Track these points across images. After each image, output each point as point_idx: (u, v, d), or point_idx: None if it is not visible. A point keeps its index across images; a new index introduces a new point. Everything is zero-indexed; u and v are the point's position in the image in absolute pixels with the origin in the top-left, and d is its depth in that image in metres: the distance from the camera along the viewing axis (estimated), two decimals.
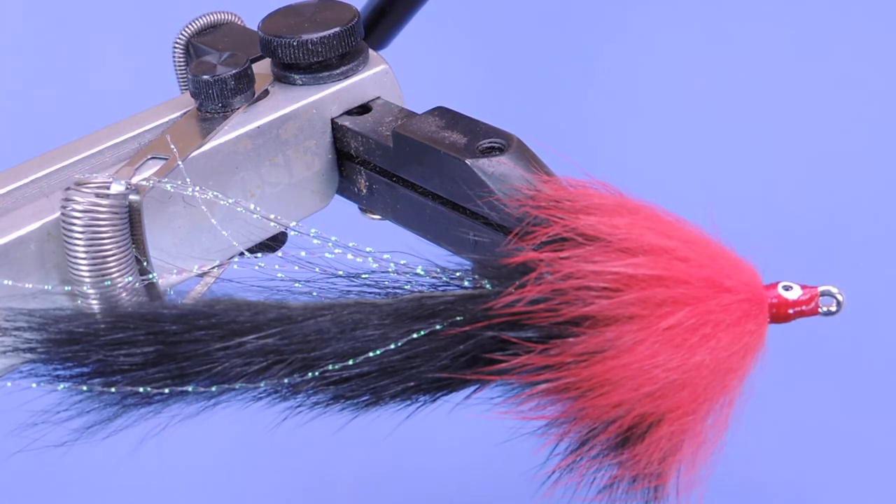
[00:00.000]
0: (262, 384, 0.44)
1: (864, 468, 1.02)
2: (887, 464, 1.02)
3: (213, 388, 0.44)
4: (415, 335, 0.44)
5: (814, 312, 0.47)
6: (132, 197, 0.51)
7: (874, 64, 1.32)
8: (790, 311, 0.46)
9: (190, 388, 0.44)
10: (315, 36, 0.59)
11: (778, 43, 1.35)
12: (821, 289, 0.47)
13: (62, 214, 0.50)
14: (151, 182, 0.53)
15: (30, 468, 1.03)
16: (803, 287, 0.47)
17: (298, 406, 0.45)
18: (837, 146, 1.26)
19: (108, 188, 0.50)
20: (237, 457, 1.06)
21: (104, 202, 0.50)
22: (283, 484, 1.04)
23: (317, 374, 0.44)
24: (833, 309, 0.47)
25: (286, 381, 0.44)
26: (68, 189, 0.50)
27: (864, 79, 1.31)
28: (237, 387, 0.44)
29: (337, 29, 0.59)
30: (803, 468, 1.02)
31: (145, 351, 0.43)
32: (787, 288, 0.46)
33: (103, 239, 0.50)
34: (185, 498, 1.04)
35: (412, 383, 0.44)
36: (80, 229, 0.49)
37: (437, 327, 0.43)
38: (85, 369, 0.44)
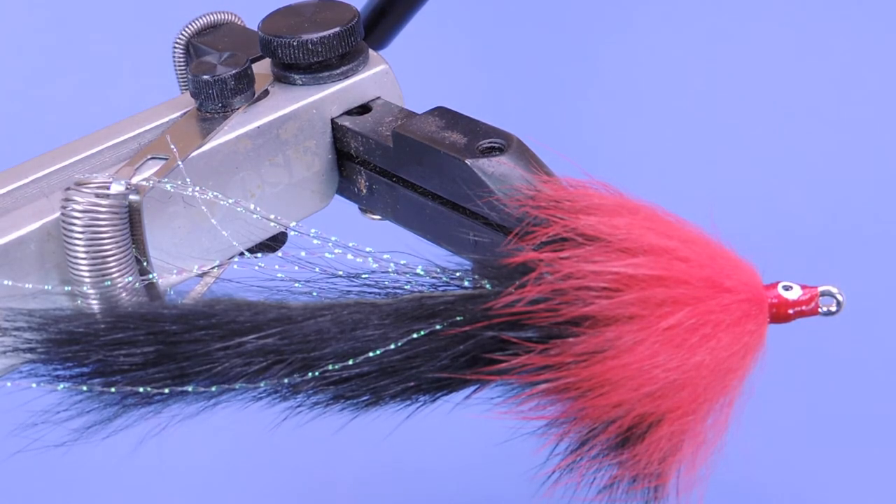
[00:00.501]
0: (262, 384, 0.44)
1: (864, 468, 1.02)
2: (887, 464, 1.02)
3: (213, 388, 0.44)
4: (415, 335, 0.44)
5: (814, 312, 0.47)
6: (132, 197, 0.51)
7: (874, 64, 1.32)
8: (790, 311, 0.46)
9: (190, 388, 0.44)
10: (315, 36, 0.59)
11: (778, 43, 1.35)
12: (821, 289, 0.47)
13: (62, 214, 0.50)
14: (151, 182, 0.53)
15: (30, 468, 1.03)
16: (803, 287, 0.47)
17: (298, 406, 0.45)
18: (837, 146, 1.26)
19: (108, 188, 0.50)
20: (237, 457, 1.06)
21: (104, 202, 0.50)
22: (283, 484, 1.04)
23: (317, 374, 0.44)
24: (833, 309, 0.47)
25: (286, 381, 0.44)
26: (68, 189, 0.50)
27: (865, 79, 1.31)
28: (237, 387, 0.44)
29: (337, 29, 0.59)
30: (803, 468, 1.02)
31: (145, 351, 0.43)
32: (787, 288, 0.46)
33: (103, 239, 0.50)
34: (185, 498, 1.04)
35: (412, 383, 0.44)
36: (80, 229, 0.49)
37: (437, 327, 0.44)
38: (85, 369, 0.44)
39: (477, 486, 1.02)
